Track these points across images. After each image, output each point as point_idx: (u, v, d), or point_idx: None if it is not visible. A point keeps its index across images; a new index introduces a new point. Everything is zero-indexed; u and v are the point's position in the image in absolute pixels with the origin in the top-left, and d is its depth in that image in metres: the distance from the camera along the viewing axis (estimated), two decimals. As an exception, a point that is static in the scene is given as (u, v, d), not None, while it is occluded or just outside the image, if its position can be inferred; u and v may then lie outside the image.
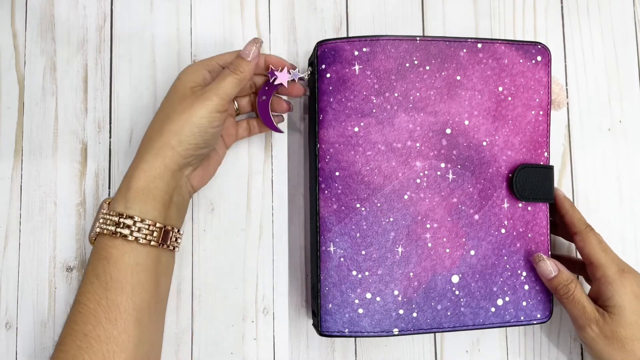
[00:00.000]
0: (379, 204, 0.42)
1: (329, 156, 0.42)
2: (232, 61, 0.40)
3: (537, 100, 0.44)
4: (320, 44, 0.42)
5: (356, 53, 0.42)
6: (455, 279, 0.42)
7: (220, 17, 0.47)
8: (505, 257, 0.43)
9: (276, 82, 0.43)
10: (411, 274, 0.42)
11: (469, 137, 0.43)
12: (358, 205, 0.42)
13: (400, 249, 0.42)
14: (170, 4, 0.47)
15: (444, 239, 0.42)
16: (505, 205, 0.43)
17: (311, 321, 0.46)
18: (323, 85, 0.42)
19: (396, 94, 0.42)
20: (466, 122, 0.43)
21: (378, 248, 0.42)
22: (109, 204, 0.39)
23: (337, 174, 0.42)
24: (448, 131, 0.43)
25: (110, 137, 0.45)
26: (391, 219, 0.42)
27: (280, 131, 0.45)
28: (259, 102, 0.44)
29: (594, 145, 0.51)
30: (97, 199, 0.44)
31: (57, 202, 0.44)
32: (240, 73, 0.40)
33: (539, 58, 0.44)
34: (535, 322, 0.44)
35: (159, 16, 0.46)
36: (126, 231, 0.37)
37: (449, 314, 0.42)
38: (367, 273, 0.41)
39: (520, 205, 0.44)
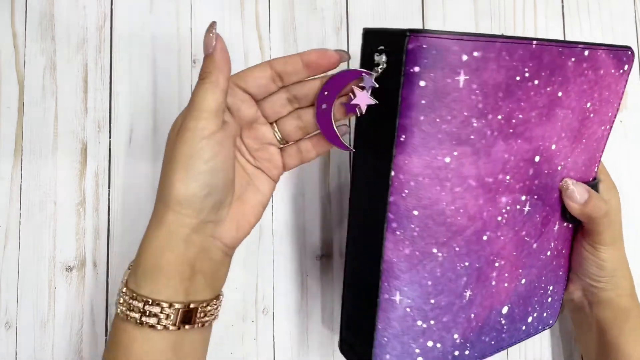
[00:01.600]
0: (457, 248, 0.35)
1: (407, 190, 0.32)
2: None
3: (610, 114, 0.40)
4: (413, 33, 0.30)
5: (464, 58, 0.30)
6: (505, 309, 0.40)
7: (220, 17, 0.47)
8: (544, 277, 0.41)
9: (354, 103, 0.32)
10: (473, 315, 0.38)
11: (551, 164, 0.37)
12: (435, 251, 0.34)
13: (468, 293, 0.37)
14: (170, 4, 0.47)
15: (506, 274, 0.38)
16: (556, 227, 0.40)
17: (311, 322, 0.46)
18: (412, 96, 0.31)
19: (499, 117, 0.33)
20: (553, 147, 0.36)
21: (448, 295, 0.36)
22: (128, 277, 0.33)
23: (415, 213, 0.33)
24: (537, 159, 0.36)
25: (110, 137, 0.45)
26: (466, 264, 0.36)
27: (348, 148, 0.35)
28: (319, 114, 0.34)
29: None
30: (97, 198, 0.45)
31: (57, 201, 0.44)
32: (206, 75, 0.31)
33: (625, 67, 0.39)
34: (547, 328, 0.43)
35: (159, 16, 0.46)
36: (135, 314, 0.31)
37: (492, 343, 0.40)
38: (432, 322, 0.36)
39: (565, 224, 0.41)
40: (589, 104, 0.37)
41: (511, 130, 0.34)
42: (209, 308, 0.33)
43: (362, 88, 0.32)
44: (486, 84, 0.32)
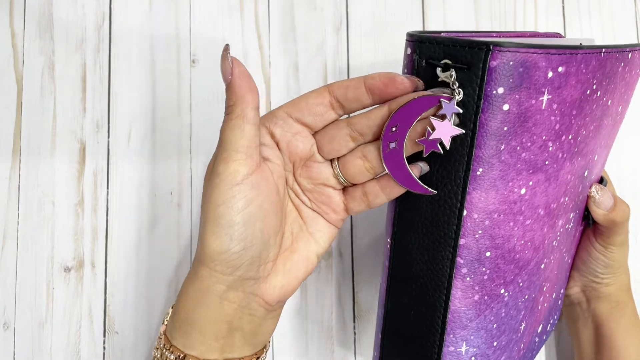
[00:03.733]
0: (521, 284, 0.32)
1: (481, 230, 0.28)
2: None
3: (624, 112, 0.37)
4: (496, 46, 0.24)
5: (550, 75, 0.26)
6: (540, 328, 0.38)
7: (219, 17, 0.47)
8: (561, 283, 0.40)
9: (433, 137, 0.26)
10: (522, 344, 0.36)
11: (592, 175, 0.35)
12: (502, 291, 0.31)
13: (523, 325, 0.34)
14: (169, 3, 0.46)
15: (547, 295, 0.36)
16: (578, 234, 0.39)
17: (310, 323, 0.46)
18: (493, 123, 0.26)
19: (570, 136, 0.30)
20: (596, 158, 0.34)
21: (508, 333, 0.33)
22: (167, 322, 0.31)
23: (487, 254, 0.29)
24: (585, 174, 0.34)
25: (108, 137, 0.45)
26: (526, 297, 0.33)
27: (430, 191, 0.28)
28: (386, 155, 0.28)
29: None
30: (96, 198, 0.44)
31: (55, 202, 0.44)
32: (231, 110, 0.26)
33: None
34: (553, 328, 0.43)
35: (157, 15, 0.46)
36: None
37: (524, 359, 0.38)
38: None
39: (581, 228, 0.39)
40: (620, 108, 0.35)
41: (576, 149, 0.31)
42: None
43: (442, 117, 0.26)
44: (564, 102, 0.28)
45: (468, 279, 0.29)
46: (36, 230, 0.44)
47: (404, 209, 0.30)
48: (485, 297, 0.30)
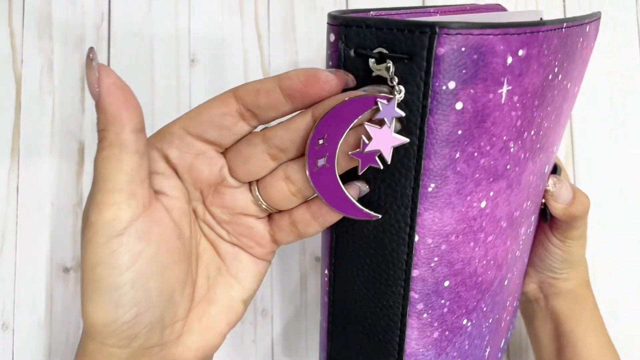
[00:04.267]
0: (485, 308, 0.28)
1: (438, 257, 0.24)
2: None
3: (576, 89, 0.31)
4: (443, 28, 0.19)
5: (510, 60, 0.21)
6: (502, 342, 0.35)
7: (219, 16, 0.47)
8: (517, 272, 0.36)
9: (370, 149, 0.21)
10: None
11: (550, 168, 0.31)
12: (465, 322, 0.26)
13: (488, 350, 0.31)
14: (169, 3, 0.46)
15: (510, 308, 0.33)
16: (533, 223, 0.34)
17: (310, 324, 0.46)
18: (445, 126, 0.21)
19: (532, 132, 0.25)
20: (555, 150, 0.30)
21: None
22: None
23: (446, 284, 0.24)
24: (546, 169, 0.30)
25: (107, 137, 0.45)
26: (490, 320, 0.29)
27: (372, 215, 0.23)
28: (313, 174, 0.22)
29: (597, 147, 0.50)
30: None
31: (54, 202, 0.44)
32: (102, 135, 0.20)
33: (594, 37, 0.31)
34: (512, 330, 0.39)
35: (157, 15, 0.46)
36: None
37: None
38: None
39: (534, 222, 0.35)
40: (576, 89, 0.30)
41: (538, 146, 0.26)
42: None
43: (380, 123, 0.21)
44: (526, 93, 0.23)
45: (425, 315, 0.24)
46: (35, 231, 0.43)
47: (342, 236, 0.25)
48: (447, 333, 0.26)
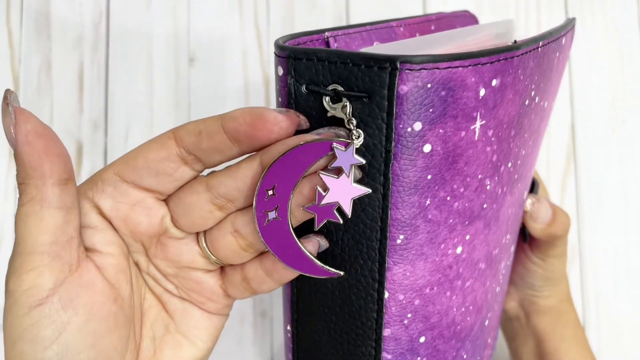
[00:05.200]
0: (465, 356, 0.25)
1: (411, 314, 0.21)
2: None
3: (552, 104, 0.30)
4: (405, 63, 0.17)
5: (482, 93, 0.19)
6: None
7: (218, 15, 0.47)
8: (497, 307, 0.33)
9: (327, 202, 0.19)
10: None
11: (523, 191, 0.29)
12: None
13: None
14: (168, 2, 0.46)
15: (490, 340, 0.31)
16: (512, 250, 0.32)
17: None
18: (413, 172, 0.19)
19: (510, 164, 0.23)
20: (532, 173, 0.28)
21: None
22: None
23: (422, 340, 0.22)
24: (525, 196, 0.28)
25: (106, 136, 0.44)
26: None
27: (334, 273, 0.20)
28: (263, 228, 0.20)
29: (598, 146, 0.50)
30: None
31: (52, 202, 0.44)
32: (22, 190, 0.18)
33: (570, 45, 0.28)
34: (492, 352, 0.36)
35: (155, 14, 0.46)
36: None
37: None
38: None
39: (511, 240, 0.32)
40: (545, 103, 0.26)
41: (516, 177, 0.24)
42: None
43: (338, 172, 0.18)
44: (501, 125, 0.21)
45: None
46: (33, 231, 0.43)
47: (305, 290, 0.23)
48: None
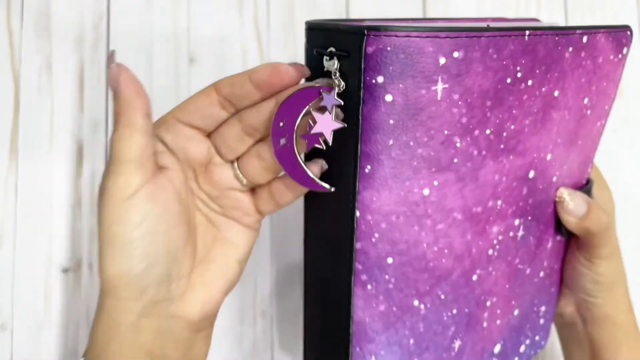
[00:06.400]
0: (442, 296, 0.29)
1: (377, 234, 0.26)
2: None
3: (606, 107, 0.33)
4: (372, 31, 0.22)
5: (442, 61, 0.23)
6: (497, 348, 0.35)
7: (218, 15, 0.47)
8: (536, 300, 0.36)
9: (315, 132, 0.25)
10: None
11: (546, 176, 0.31)
12: (416, 303, 0.28)
13: (457, 343, 0.31)
14: (168, 2, 0.46)
15: (498, 311, 0.33)
16: (549, 245, 0.35)
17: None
18: (377, 115, 0.24)
19: (488, 131, 0.26)
20: (549, 157, 0.30)
21: (434, 350, 0.30)
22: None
23: (389, 261, 0.27)
24: (531, 174, 0.30)
25: (106, 137, 0.45)
26: (454, 311, 0.30)
27: (326, 188, 0.26)
28: (278, 152, 0.26)
29: (599, 146, 0.50)
30: (93, 199, 0.44)
31: (53, 202, 0.44)
32: (118, 118, 0.24)
33: (624, 51, 0.32)
34: (539, 351, 0.39)
35: (156, 14, 0.46)
36: None
37: None
38: None
39: (558, 239, 0.35)
40: (586, 100, 0.31)
41: (502, 146, 0.27)
42: None
43: (323, 110, 0.24)
44: (470, 92, 0.24)
45: (369, 287, 0.27)
46: (33, 231, 0.43)
47: (311, 203, 0.29)
48: (394, 309, 0.27)
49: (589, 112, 0.32)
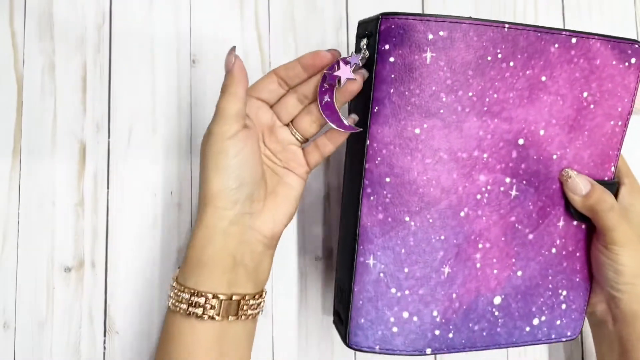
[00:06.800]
0: (431, 220, 0.36)
1: (380, 158, 0.36)
2: None
3: (620, 109, 0.39)
4: (385, 17, 0.34)
5: (430, 37, 0.34)
6: (497, 300, 0.39)
7: (219, 16, 0.47)
8: (550, 277, 0.40)
9: (336, 74, 0.35)
10: (454, 295, 0.38)
11: (541, 150, 0.38)
12: (407, 219, 0.36)
13: (447, 269, 0.37)
14: (170, 3, 0.46)
15: (494, 260, 0.38)
16: (561, 223, 0.40)
17: (310, 325, 0.46)
18: (383, 71, 0.35)
19: (470, 94, 0.35)
20: (541, 132, 0.37)
21: (423, 267, 0.37)
22: (178, 272, 0.37)
23: (387, 180, 0.36)
24: (521, 142, 0.37)
25: (109, 137, 0.45)
26: (442, 237, 0.37)
27: (356, 129, 0.37)
28: (323, 107, 0.36)
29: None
30: (96, 199, 0.44)
31: (55, 202, 0.44)
32: (227, 87, 0.35)
33: (633, 60, 0.38)
34: (564, 340, 0.41)
35: (158, 15, 0.46)
36: (184, 305, 0.34)
37: (484, 334, 0.39)
38: (407, 292, 0.37)
39: (575, 223, 0.40)
40: (585, 94, 0.38)
41: (485, 109, 0.36)
42: (252, 302, 0.35)
43: (346, 63, 0.35)
44: (454, 62, 0.34)
45: (372, 198, 0.36)
46: (36, 231, 0.44)
47: (347, 147, 0.40)
48: (389, 219, 0.36)
49: (591, 106, 0.38)
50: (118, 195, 0.44)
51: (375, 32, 0.35)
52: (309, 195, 0.47)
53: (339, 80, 0.35)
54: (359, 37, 0.37)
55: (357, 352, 0.47)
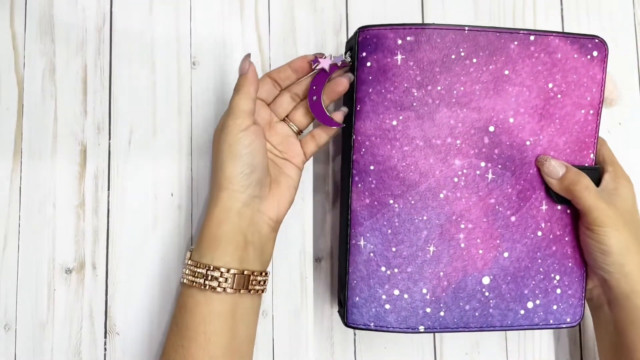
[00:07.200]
0: (413, 202, 0.41)
1: (364, 149, 0.41)
2: None
3: (589, 98, 0.42)
4: (361, 30, 0.40)
5: (399, 42, 0.39)
6: (486, 280, 0.41)
7: (219, 18, 0.47)
8: (540, 260, 0.42)
9: (318, 67, 0.41)
10: (441, 273, 0.41)
11: (513, 136, 0.41)
12: (391, 202, 0.41)
13: (432, 248, 0.41)
14: (170, 5, 0.46)
15: (478, 240, 0.41)
16: (544, 207, 0.42)
17: (310, 325, 0.46)
18: (362, 74, 0.40)
19: (439, 88, 0.40)
20: (511, 120, 0.41)
21: (409, 246, 0.41)
22: (192, 252, 0.40)
23: (371, 167, 0.41)
24: (491, 129, 0.41)
25: (109, 139, 0.45)
26: (424, 218, 0.41)
27: (339, 124, 0.42)
28: (311, 105, 0.42)
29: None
30: (97, 200, 0.44)
31: (56, 203, 0.44)
32: (240, 88, 0.39)
33: (595, 53, 0.42)
34: (564, 326, 0.42)
35: (158, 17, 0.46)
36: (200, 280, 0.38)
37: (477, 314, 0.41)
38: (396, 270, 0.41)
39: (559, 207, 0.42)
40: (550, 85, 0.41)
41: (454, 100, 0.40)
42: (259, 278, 0.39)
43: (326, 57, 0.42)
44: (422, 61, 0.40)
45: (360, 185, 0.41)
46: (37, 232, 0.44)
47: (342, 141, 0.45)
48: (375, 203, 0.41)
49: (559, 96, 0.41)
50: (119, 197, 0.45)
51: (355, 43, 0.41)
52: (308, 197, 0.47)
53: (326, 71, 0.42)
54: (346, 51, 0.43)
55: (357, 352, 0.47)
